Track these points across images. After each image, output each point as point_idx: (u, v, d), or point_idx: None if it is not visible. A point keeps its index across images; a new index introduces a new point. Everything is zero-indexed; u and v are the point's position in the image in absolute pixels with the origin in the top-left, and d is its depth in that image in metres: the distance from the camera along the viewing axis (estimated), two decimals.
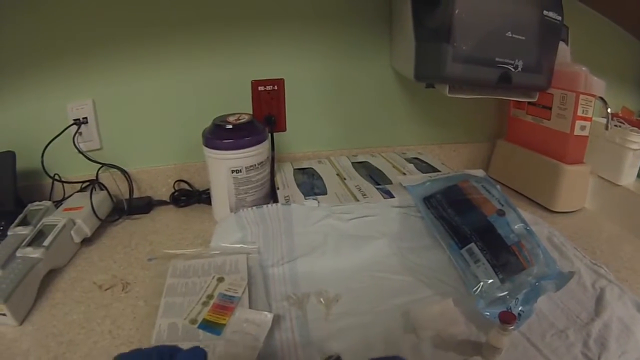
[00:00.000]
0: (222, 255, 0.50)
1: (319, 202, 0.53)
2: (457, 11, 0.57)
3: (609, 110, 0.73)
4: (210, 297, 0.44)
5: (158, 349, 0.31)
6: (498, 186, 0.56)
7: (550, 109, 0.73)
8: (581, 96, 0.68)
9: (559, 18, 0.68)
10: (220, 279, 0.47)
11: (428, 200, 0.54)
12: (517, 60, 0.63)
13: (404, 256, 0.52)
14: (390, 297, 0.47)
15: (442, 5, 0.58)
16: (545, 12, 0.66)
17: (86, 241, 0.56)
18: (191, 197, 0.65)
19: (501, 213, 0.53)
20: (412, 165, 0.68)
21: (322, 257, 0.50)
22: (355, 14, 0.70)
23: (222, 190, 0.56)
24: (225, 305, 0.43)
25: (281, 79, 0.68)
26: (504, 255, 0.50)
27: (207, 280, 0.47)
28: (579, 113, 0.69)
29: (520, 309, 0.48)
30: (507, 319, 0.42)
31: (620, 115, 0.90)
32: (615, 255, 0.65)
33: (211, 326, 0.40)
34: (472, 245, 0.50)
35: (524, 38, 0.64)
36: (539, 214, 0.72)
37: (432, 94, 0.65)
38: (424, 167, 0.70)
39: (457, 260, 0.50)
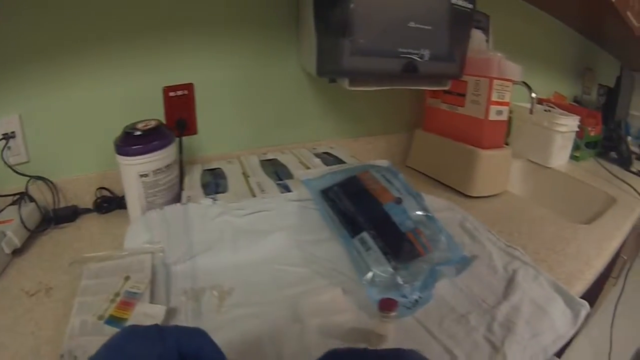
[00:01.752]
0: (130, 256, 0.53)
1: (214, 200, 0.54)
2: (352, 5, 0.57)
3: (532, 95, 0.73)
4: (117, 294, 0.47)
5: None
6: (400, 175, 0.57)
7: (464, 96, 0.73)
8: (495, 81, 0.68)
9: (470, 6, 0.68)
10: (127, 278, 0.50)
11: (325, 193, 0.55)
12: (422, 50, 0.63)
13: (304, 249, 0.54)
14: (285, 288, 0.49)
15: (339, 0, 0.58)
16: (454, 1, 0.66)
17: (17, 252, 0.59)
18: (112, 203, 0.67)
19: (398, 201, 0.54)
20: (319, 159, 0.69)
21: (220, 253, 0.52)
22: (264, 15, 0.73)
23: (133, 195, 0.59)
24: (129, 301, 0.46)
25: (190, 83, 0.70)
26: (397, 243, 0.50)
27: (116, 279, 0.50)
28: (494, 98, 0.69)
29: (417, 295, 0.47)
30: (387, 306, 0.42)
31: (552, 100, 0.89)
32: (536, 237, 0.65)
33: (116, 321, 0.43)
34: (364, 233, 0.50)
35: (430, 27, 0.64)
36: (456, 199, 0.73)
37: (344, 88, 0.65)
38: (331, 160, 0.71)
39: (350, 250, 0.51)
